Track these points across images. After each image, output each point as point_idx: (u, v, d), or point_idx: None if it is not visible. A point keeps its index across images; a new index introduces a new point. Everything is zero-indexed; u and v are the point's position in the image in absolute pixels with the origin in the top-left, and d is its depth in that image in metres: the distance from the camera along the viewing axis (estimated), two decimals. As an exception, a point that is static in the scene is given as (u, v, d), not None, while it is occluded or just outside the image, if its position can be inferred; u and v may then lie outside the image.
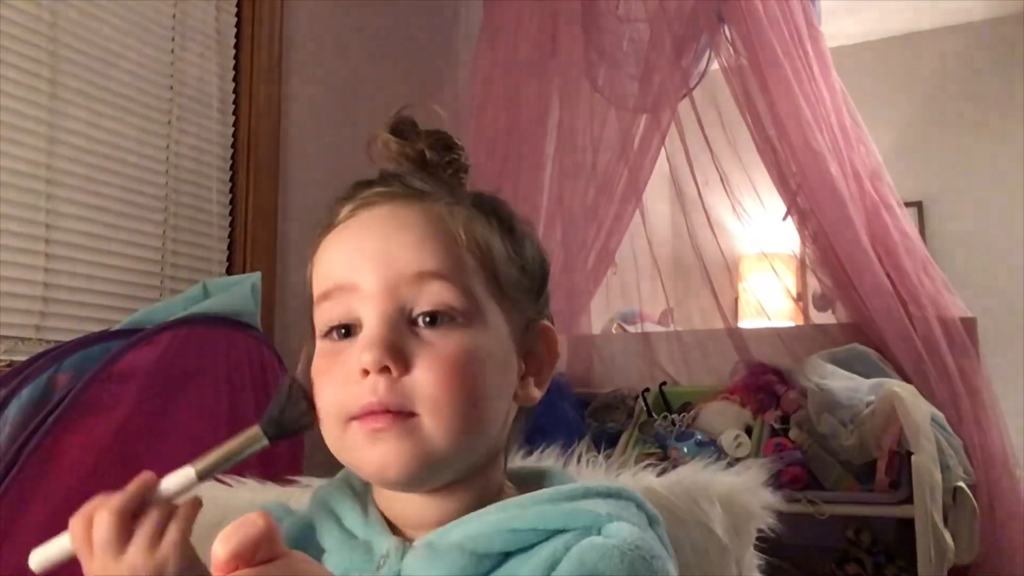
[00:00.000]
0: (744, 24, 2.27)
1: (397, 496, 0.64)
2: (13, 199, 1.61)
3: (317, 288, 0.63)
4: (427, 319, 0.59)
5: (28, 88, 1.65)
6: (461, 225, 0.62)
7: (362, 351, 0.58)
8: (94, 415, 1.24)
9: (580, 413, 2.20)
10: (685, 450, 1.91)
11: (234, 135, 2.10)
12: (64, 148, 1.71)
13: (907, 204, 2.50)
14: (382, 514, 0.64)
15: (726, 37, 2.36)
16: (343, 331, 0.61)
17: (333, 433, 0.60)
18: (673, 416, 2.10)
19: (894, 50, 3.89)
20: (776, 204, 2.33)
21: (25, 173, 1.64)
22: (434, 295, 0.59)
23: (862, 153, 2.26)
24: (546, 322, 0.68)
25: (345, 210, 0.64)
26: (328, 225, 0.64)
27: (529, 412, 0.67)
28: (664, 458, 1.86)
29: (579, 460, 0.88)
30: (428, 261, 0.60)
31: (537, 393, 0.66)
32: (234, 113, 2.11)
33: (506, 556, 0.58)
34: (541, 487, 0.64)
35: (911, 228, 2.24)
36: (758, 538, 0.86)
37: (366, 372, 0.58)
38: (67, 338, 1.43)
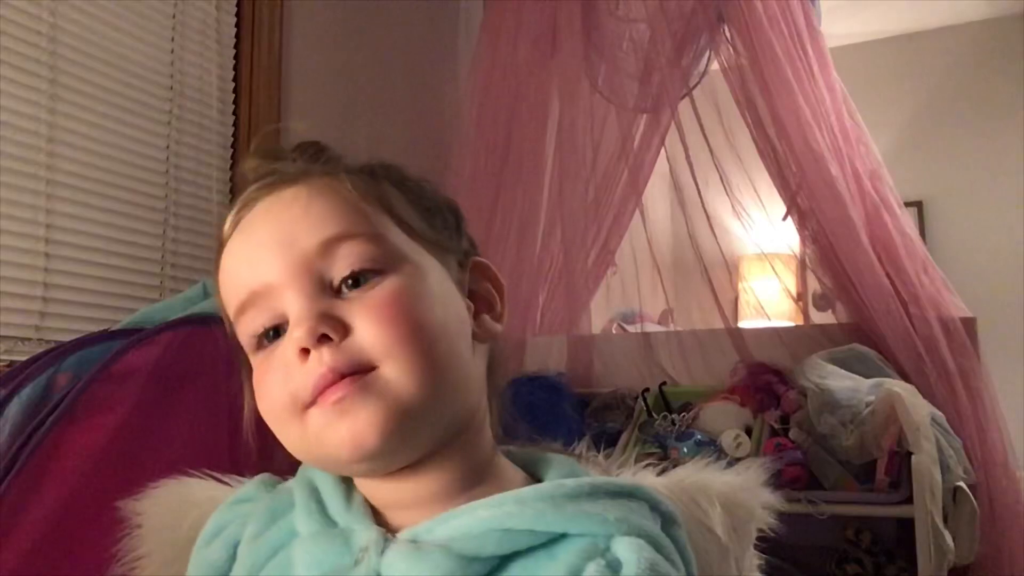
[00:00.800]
0: (744, 24, 2.27)
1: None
2: (13, 199, 1.61)
3: (231, 307, 0.59)
4: (350, 282, 0.55)
5: (28, 88, 1.65)
6: (348, 183, 0.59)
7: (293, 331, 0.54)
8: (94, 415, 1.24)
9: (580, 413, 2.20)
10: (685, 450, 1.91)
11: (234, 135, 2.10)
12: (64, 148, 1.71)
13: (907, 204, 2.50)
14: (367, 500, 0.60)
15: (726, 37, 2.36)
16: (272, 333, 0.57)
17: (293, 432, 0.56)
18: (673, 416, 2.10)
19: (894, 50, 3.89)
20: (776, 204, 2.33)
21: (25, 173, 1.64)
22: (348, 256, 0.56)
23: (862, 153, 2.26)
24: (479, 258, 0.65)
25: (229, 221, 0.60)
26: (220, 244, 0.61)
27: (499, 389, 0.64)
28: (664, 458, 1.86)
29: (579, 460, 0.88)
30: (327, 226, 0.56)
31: (497, 327, 0.63)
32: (234, 113, 2.11)
33: (501, 561, 0.53)
34: (539, 475, 0.60)
35: (911, 228, 2.24)
36: (758, 538, 0.86)
37: (305, 352, 0.54)
38: (67, 338, 1.43)
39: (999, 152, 3.67)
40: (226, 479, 0.82)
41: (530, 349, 2.34)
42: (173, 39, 1.96)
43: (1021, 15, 3.68)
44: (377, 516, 0.58)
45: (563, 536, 0.53)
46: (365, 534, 0.56)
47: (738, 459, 1.74)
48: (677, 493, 0.83)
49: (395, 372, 0.53)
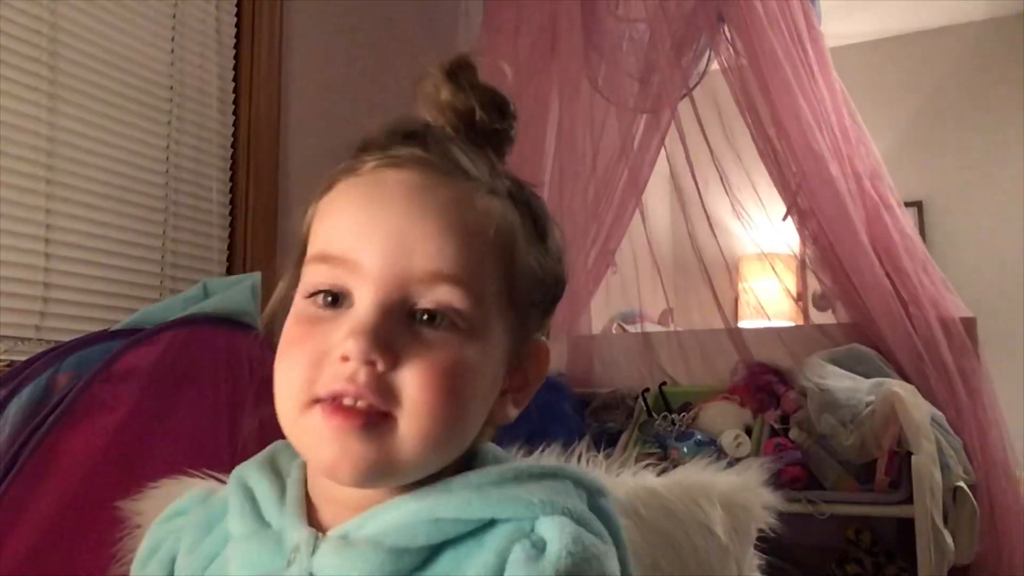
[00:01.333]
0: (744, 24, 2.27)
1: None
2: (13, 199, 1.61)
3: (315, 246, 0.56)
4: (426, 316, 0.53)
5: (28, 88, 1.65)
6: (495, 222, 0.55)
7: (348, 336, 0.51)
8: (94, 415, 1.24)
9: (580, 413, 2.20)
10: (685, 450, 1.91)
11: (234, 135, 2.10)
12: (64, 148, 1.71)
13: (907, 204, 2.50)
14: (305, 497, 0.58)
15: (726, 37, 2.36)
16: (330, 299, 0.54)
17: (289, 415, 0.54)
18: (673, 416, 2.10)
19: (894, 50, 3.89)
20: (776, 204, 2.33)
21: (25, 173, 1.64)
22: (442, 296, 0.53)
23: (862, 153, 2.26)
24: (543, 339, 0.61)
25: (370, 163, 0.56)
26: (347, 170, 0.57)
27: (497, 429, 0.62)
28: (664, 458, 1.86)
29: (579, 460, 0.88)
30: (446, 261, 0.53)
31: (513, 412, 0.60)
32: (234, 113, 2.11)
33: (433, 551, 0.53)
34: (471, 466, 0.59)
35: (911, 228, 2.24)
36: (758, 538, 0.86)
37: (347, 358, 0.51)
38: (67, 338, 1.43)
39: (999, 152, 3.67)
40: (226, 479, 0.82)
41: (530, 349, 2.34)
42: (173, 39, 1.96)
43: (1021, 15, 3.68)
44: (312, 513, 0.57)
45: (492, 522, 0.53)
46: (296, 534, 0.55)
47: (738, 459, 1.74)
48: (677, 493, 0.83)
49: (409, 431, 0.52)
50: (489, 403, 0.57)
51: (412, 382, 0.52)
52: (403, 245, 0.53)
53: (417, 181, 0.54)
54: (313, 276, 0.55)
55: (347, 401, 0.51)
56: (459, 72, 0.58)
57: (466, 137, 0.58)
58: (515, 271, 0.56)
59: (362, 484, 0.54)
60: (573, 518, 0.53)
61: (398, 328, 0.52)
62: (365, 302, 0.53)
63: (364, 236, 0.53)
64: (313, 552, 0.54)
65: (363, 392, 0.51)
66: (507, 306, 0.56)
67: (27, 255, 1.63)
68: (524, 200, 0.59)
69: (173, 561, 0.63)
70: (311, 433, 0.53)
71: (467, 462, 0.59)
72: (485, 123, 0.58)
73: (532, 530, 0.52)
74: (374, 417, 0.51)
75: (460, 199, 0.55)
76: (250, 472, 0.61)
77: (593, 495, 0.58)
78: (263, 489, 0.59)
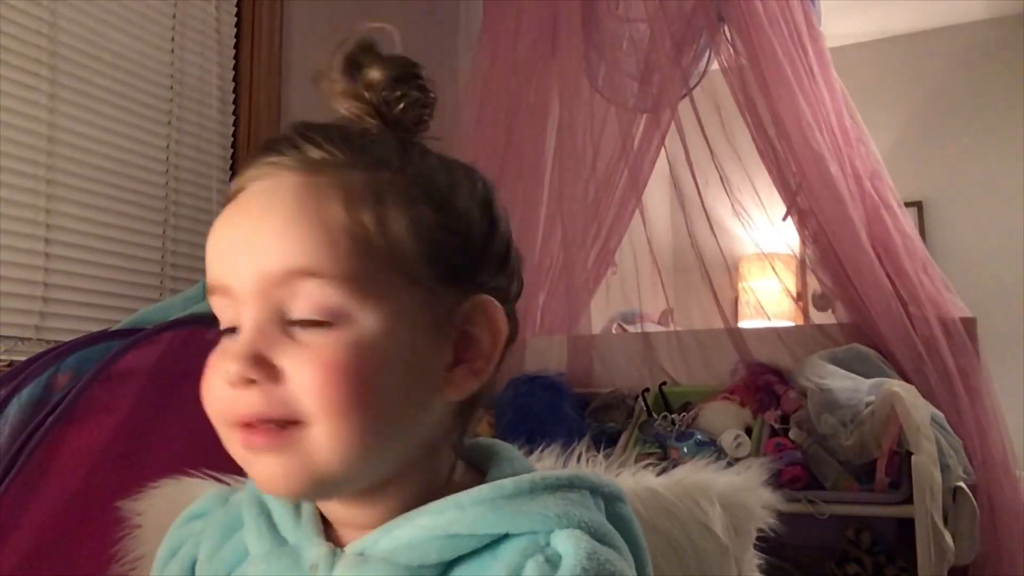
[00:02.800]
0: (744, 24, 2.27)
1: None
2: (13, 199, 1.61)
3: (207, 276, 0.56)
4: (299, 318, 0.51)
5: (28, 88, 1.65)
6: (344, 196, 0.52)
7: (228, 361, 0.51)
8: (94, 415, 1.24)
9: (580, 413, 2.20)
10: (685, 450, 1.91)
11: (234, 135, 2.10)
12: (64, 148, 1.71)
13: (907, 204, 2.50)
14: (319, 512, 0.58)
15: (726, 37, 2.36)
16: (231, 331, 0.54)
17: (221, 433, 0.54)
18: (673, 416, 2.10)
19: (894, 50, 3.89)
20: (776, 204, 2.33)
21: (25, 173, 1.64)
22: (308, 297, 0.50)
23: (862, 153, 2.26)
24: (484, 296, 0.55)
25: (236, 183, 0.55)
26: (228, 199, 0.56)
27: (478, 400, 0.58)
28: (664, 458, 1.86)
29: (579, 460, 0.88)
30: (298, 253, 0.50)
31: (473, 383, 0.55)
32: (234, 112, 2.11)
33: (448, 566, 0.52)
34: (485, 473, 0.58)
35: (911, 228, 2.24)
36: (758, 538, 0.86)
37: (234, 384, 0.51)
38: (67, 338, 1.43)
39: (999, 152, 3.67)
40: (226, 479, 0.82)
41: (530, 349, 2.34)
42: (173, 39, 1.96)
43: (1021, 15, 3.68)
44: (328, 529, 0.57)
45: (506, 536, 0.52)
46: (315, 550, 0.55)
47: (738, 459, 1.75)
48: (677, 493, 0.83)
49: (320, 437, 0.50)
50: (422, 384, 0.53)
51: (305, 387, 0.50)
52: (255, 253, 0.51)
53: (266, 185, 0.53)
54: (213, 305, 0.55)
55: (253, 422, 0.51)
56: (352, 60, 0.56)
57: (378, 116, 0.56)
58: (396, 237, 0.52)
59: (304, 496, 0.55)
60: (589, 531, 0.52)
61: (278, 340, 0.51)
62: (245, 325, 0.52)
63: (227, 256, 0.53)
64: (332, 568, 0.54)
65: (258, 411, 0.50)
66: (403, 275, 0.52)
67: (27, 255, 1.63)
68: (413, 167, 0.55)
69: (193, 565, 0.63)
70: (239, 457, 0.53)
71: (482, 462, 0.59)
72: (388, 100, 0.56)
73: (547, 544, 0.51)
74: (278, 433, 0.50)
75: (303, 186, 0.52)
76: None
77: (611, 502, 0.57)
78: (279, 504, 0.59)
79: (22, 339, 1.61)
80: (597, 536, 0.52)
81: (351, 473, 0.52)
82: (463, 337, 0.55)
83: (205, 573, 0.61)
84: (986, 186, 3.68)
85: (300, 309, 0.51)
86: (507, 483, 0.54)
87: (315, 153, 0.53)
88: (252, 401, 0.50)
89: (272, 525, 0.59)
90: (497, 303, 0.56)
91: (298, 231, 0.51)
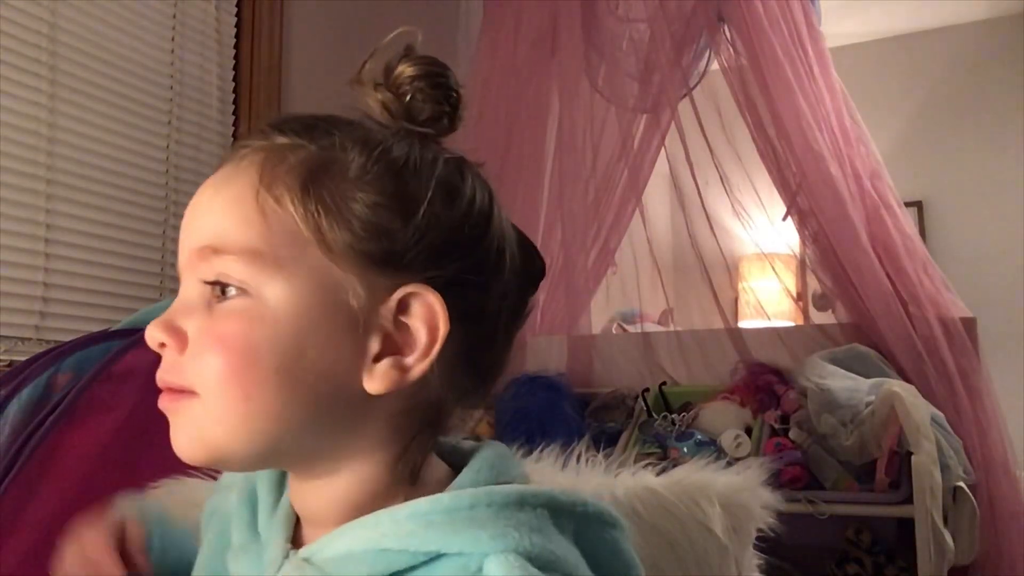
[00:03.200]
0: (744, 24, 2.27)
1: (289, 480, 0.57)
2: (13, 199, 1.61)
3: None
4: (216, 291, 0.51)
5: (28, 88, 1.65)
6: (271, 173, 0.51)
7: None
8: (94, 415, 1.24)
9: (580, 413, 2.20)
10: (685, 450, 1.91)
11: (234, 135, 2.10)
12: (64, 148, 1.71)
13: (907, 204, 2.50)
14: (293, 508, 0.57)
15: (726, 37, 2.36)
16: None
17: None
18: (673, 416, 2.10)
19: (894, 50, 3.89)
20: (776, 204, 2.33)
21: (25, 173, 1.64)
22: (213, 270, 0.51)
23: (862, 153, 2.26)
24: (421, 287, 0.51)
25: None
26: None
27: (434, 398, 0.54)
28: (664, 458, 1.86)
29: (579, 460, 0.88)
30: (211, 229, 0.52)
31: (397, 379, 0.51)
32: (234, 113, 2.11)
33: None
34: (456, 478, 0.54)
35: (911, 228, 2.24)
36: (758, 538, 0.86)
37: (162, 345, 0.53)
38: (67, 338, 1.43)
39: (999, 152, 3.67)
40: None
41: (530, 349, 2.34)
42: (173, 39, 1.96)
43: (1021, 15, 3.68)
44: (299, 527, 0.56)
45: (441, 555, 0.49)
46: (274, 549, 0.55)
47: (738, 459, 1.75)
48: (677, 493, 0.83)
49: (206, 409, 0.50)
50: (334, 369, 0.51)
51: (197, 359, 0.51)
52: (187, 230, 0.54)
53: (222, 169, 0.54)
54: None
55: (161, 386, 0.53)
56: (390, 62, 0.56)
57: (389, 109, 0.55)
58: (316, 215, 0.50)
59: (206, 464, 0.55)
60: (528, 557, 0.47)
61: (195, 311, 0.52)
62: (178, 295, 0.54)
63: (181, 232, 0.55)
64: (279, 570, 0.53)
65: (161, 376, 0.53)
66: (323, 255, 0.50)
67: (27, 255, 1.63)
68: (379, 151, 0.52)
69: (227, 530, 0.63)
70: None
71: (459, 465, 0.55)
72: (403, 93, 0.55)
73: (479, 569, 0.47)
74: (176, 397, 0.52)
75: (237, 166, 0.53)
76: (261, 473, 0.60)
77: (592, 525, 0.53)
78: (263, 494, 0.59)
79: (22, 339, 1.61)
80: (539, 563, 0.47)
81: (242, 448, 0.51)
82: (397, 328, 0.52)
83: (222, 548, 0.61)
84: (986, 186, 3.68)
85: (208, 274, 0.51)
86: (445, 497, 0.50)
87: (278, 138, 0.53)
88: (162, 367, 0.52)
89: (254, 516, 0.59)
90: (436, 296, 0.51)
91: (214, 207, 0.52)
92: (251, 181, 0.51)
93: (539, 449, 0.89)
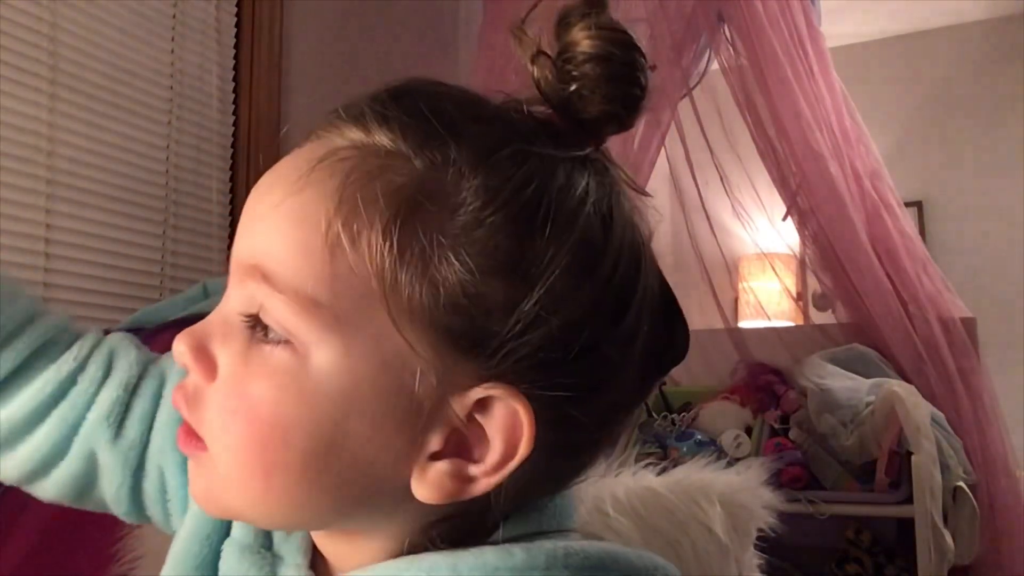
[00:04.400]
0: (744, 24, 2.28)
1: None
2: (13, 199, 1.61)
3: None
4: (259, 324, 0.41)
5: (28, 88, 1.65)
6: (352, 200, 0.39)
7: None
8: (94, 415, 1.24)
9: (580, 413, 2.20)
10: (685, 450, 1.91)
11: (234, 135, 2.10)
12: (64, 148, 1.71)
13: (907, 204, 2.51)
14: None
15: (726, 37, 2.36)
16: None
17: None
18: (673, 416, 2.10)
19: (894, 50, 3.89)
20: (776, 204, 2.33)
21: (25, 173, 1.64)
22: (261, 298, 0.40)
23: (862, 153, 2.26)
24: (506, 395, 0.40)
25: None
26: None
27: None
28: (664, 458, 1.86)
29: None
30: (262, 247, 0.41)
31: (454, 489, 0.41)
32: (234, 112, 2.11)
33: None
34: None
35: (911, 228, 2.24)
36: (758, 538, 0.86)
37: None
38: (67, 338, 1.42)
39: (999, 152, 3.67)
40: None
41: (530, 349, 2.34)
42: (173, 39, 1.96)
43: (1021, 15, 3.68)
44: (317, 552, 0.49)
45: None
46: (293, 571, 0.48)
47: (738, 459, 1.75)
48: (677, 493, 0.83)
49: (219, 476, 0.42)
50: (378, 466, 0.41)
51: (219, 412, 0.41)
52: (246, 228, 0.42)
53: (299, 153, 0.43)
54: None
55: (179, 412, 0.44)
56: (570, 12, 0.43)
57: (543, 91, 0.43)
58: (401, 270, 0.39)
59: (223, 518, 0.49)
60: None
61: (235, 339, 0.42)
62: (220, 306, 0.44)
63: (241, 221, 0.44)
64: None
65: (183, 403, 0.43)
66: (399, 321, 0.39)
67: (27, 255, 1.63)
68: (508, 197, 0.39)
69: None
70: None
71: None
72: (568, 75, 0.42)
73: None
74: (189, 441, 0.43)
75: (320, 167, 0.40)
76: None
77: None
78: None
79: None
80: None
81: (259, 519, 0.45)
82: (469, 425, 0.41)
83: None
84: (986, 186, 3.68)
85: (245, 302, 0.41)
86: (517, 551, 0.40)
87: (379, 134, 0.41)
88: (186, 391, 0.43)
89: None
90: (526, 409, 0.40)
91: (276, 218, 0.41)
92: (326, 203, 0.39)
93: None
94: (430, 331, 0.39)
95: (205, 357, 0.42)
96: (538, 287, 0.39)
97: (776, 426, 1.99)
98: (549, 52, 0.42)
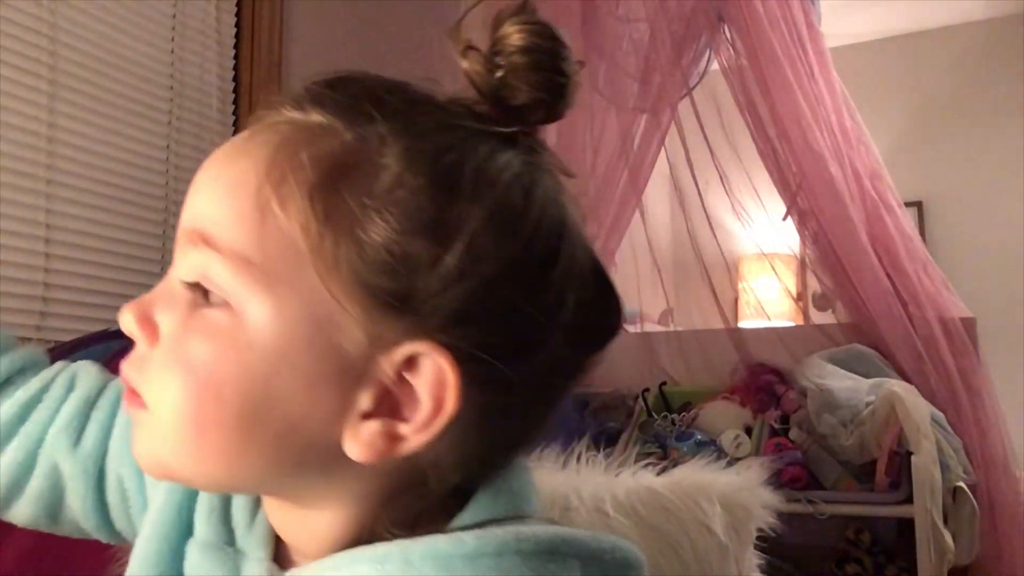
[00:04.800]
0: (744, 24, 2.28)
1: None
2: (13, 199, 1.61)
3: None
4: (200, 290, 0.43)
5: (28, 88, 1.65)
6: (280, 165, 0.42)
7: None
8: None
9: (580, 413, 2.20)
10: (685, 450, 1.91)
11: (234, 135, 2.10)
12: (64, 148, 1.71)
13: (907, 204, 2.51)
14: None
15: (726, 37, 2.36)
16: None
17: None
18: (673, 416, 2.11)
19: (894, 50, 3.89)
20: (776, 204, 2.33)
21: (25, 173, 1.64)
22: (194, 261, 0.43)
23: (862, 153, 2.26)
24: (431, 351, 0.41)
25: None
26: None
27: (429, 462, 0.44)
28: (664, 458, 1.86)
29: (579, 460, 0.88)
30: (201, 214, 0.44)
31: (384, 448, 0.42)
32: (234, 113, 2.11)
33: None
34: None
35: (911, 228, 2.24)
36: (758, 538, 0.86)
37: None
38: (67, 338, 1.43)
39: (999, 152, 3.67)
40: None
41: (530, 349, 2.34)
42: (173, 39, 1.96)
43: (1021, 15, 3.68)
44: (280, 543, 0.49)
45: None
46: (256, 565, 0.48)
47: (738, 459, 1.75)
48: (677, 493, 0.83)
49: (157, 432, 0.44)
50: (310, 423, 0.42)
51: (159, 370, 0.43)
52: (191, 200, 0.45)
53: (239, 136, 0.46)
54: None
55: (123, 379, 0.46)
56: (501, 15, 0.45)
57: (475, 83, 0.46)
58: (324, 230, 0.41)
59: (158, 479, 0.51)
60: None
61: (178, 306, 0.44)
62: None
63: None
64: None
65: (126, 368, 0.46)
66: (326, 279, 0.41)
67: (27, 255, 1.63)
68: (426, 162, 0.41)
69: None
70: None
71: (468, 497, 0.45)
72: (495, 66, 0.44)
73: None
74: (133, 400, 0.45)
75: (257, 139, 0.44)
76: None
77: (621, 572, 0.45)
78: (241, 497, 0.52)
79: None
80: None
81: (197, 479, 0.45)
82: (400, 385, 0.42)
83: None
84: (986, 186, 3.68)
85: (187, 268, 0.44)
86: (468, 538, 0.41)
87: (312, 113, 0.44)
88: (129, 357, 0.46)
89: (227, 513, 0.51)
90: (451, 365, 0.41)
91: (217, 186, 0.43)
92: (257, 169, 0.42)
93: (539, 449, 0.89)
94: (357, 289, 0.41)
95: (149, 323, 0.44)
96: (458, 244, 0.40)
97: (776, 426, 1.99)
98: (481, 49, 0.44)
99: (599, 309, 0.48)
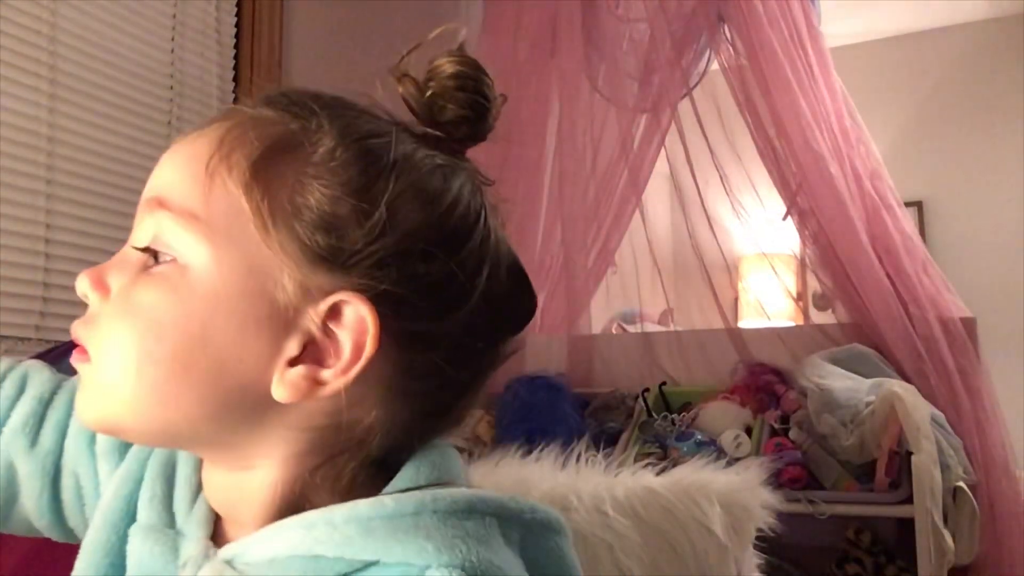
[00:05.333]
0: (744, 24, 2.28)
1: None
2: (13, 199, 1.61)
3: None
4: (151, 254, 0.48)
5: (28, 88, 1.65)
6: (231, 140, 0.48)
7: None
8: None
9: (580, 413, 2.20)
10: (685, 450, 1.91)
11: (234, 135, 2.11)
12: (64, 148, 1.71)
13: (907, 204, 2.51)
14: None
15: (726, 37, 2.36)
16: None
17: None
18: (673, 416, 2.10)
19: (894, 50, 3.89)
20: (776, 204, 2.33)
21: (25, 173, 1.64)
22: (151, 228, 0.48)
23: (862, 153, 2.26)
24: (351, 298, 0.46)
25: None
26: None
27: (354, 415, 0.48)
28: (664, 458, 1.86)
29: (579, 460, 0.88)
30: (163, 182, 0.49)
31: (307, 391, 0.46)
32: (234, 113, 2.11)
33: None
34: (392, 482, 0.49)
35: (911, 228, 2.24)
36: (758, 538, 0.86)
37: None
38: (67, 338, 1.42)
39: (999, 152, 3.67)
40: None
41: (530, 349, 2.34)
42: (173, 39, 1.96)
43: (1021, 15, 3.68)
44: (220, 522, 0.52)
45: (376, 563, 0.44)
46: (192, 545, 0.50)
47: (738, 459, 1.75)
48: (677, 493, 0.83)
49: (100, 379, 0.48)
50: (242, 366, 0.46)
51: (106, 321, 0.48)
52: (151, 178, 0.50)
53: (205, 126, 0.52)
54: None
55: (72, 338, 0.50)
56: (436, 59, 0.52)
57: (409, 104, 0.52)
58: (282, 206, 0.46)
59: (99, 432, 0.55)
60: (474, 572, 0.43)
61: (130, 270, 0.48)
62: None
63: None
64: (198, 570, 0.48)
65: (74, 328, 0.50)
66: (262, 235, 0.46)
67: (27, 255, 1.63)
68: (355, 142, 0.48)
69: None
70: None
71: (398, 469, 0.49)
72: (425, 87, 0.52)
73: None
74: (81, 356, 0.49)
75: (214, 126, 0.49)
76: (183, 453, 0.55)
77: (539, 534, 0.49)
78: (186, 472, 0.54)
79: (22, 339, 1.61)
80: None
81: (135, 425, 0.48)
82: (326, 336, 0.47)
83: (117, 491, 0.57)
84: (986, 186, 3.68)
85: (142, 243, 0.48)
86: (388, 501, 0.45)
87: (264, 110, 0.50)
88: (79, 320, 0.50)
89: (169, 499, 0.54)
90: (369, 308, 0.46)
91: (174, 161, 0.49)
92: (210, 144, 0.48)
93: (539, 449, 0.89)
94: (292, 245, 0.46)
95: (102, 284, 0.49)
96: (382, 206, 0.46)
97: (776, 426, 1.99)
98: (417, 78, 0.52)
99: (516, 292, 0.52)
